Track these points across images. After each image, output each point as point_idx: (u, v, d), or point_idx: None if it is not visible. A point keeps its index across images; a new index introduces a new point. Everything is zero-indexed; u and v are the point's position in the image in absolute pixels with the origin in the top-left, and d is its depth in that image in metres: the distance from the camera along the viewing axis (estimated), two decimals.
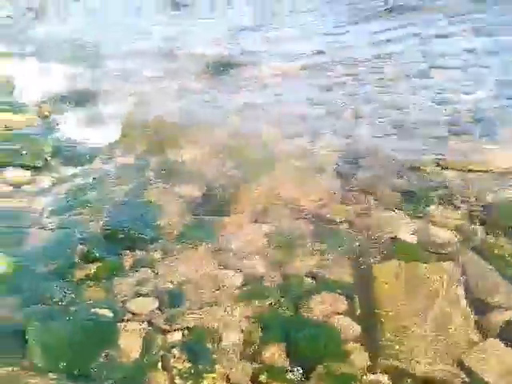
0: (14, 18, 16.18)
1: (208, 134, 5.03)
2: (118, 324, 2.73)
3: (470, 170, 3.99)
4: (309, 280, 3.04)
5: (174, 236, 3.50)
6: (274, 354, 2.51)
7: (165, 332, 2.68)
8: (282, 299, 2.89)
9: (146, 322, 2.74)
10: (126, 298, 2.92)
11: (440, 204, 3.63)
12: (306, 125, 5.11)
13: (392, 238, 3.33)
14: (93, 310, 2.80)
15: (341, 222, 3.53)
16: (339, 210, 3.65)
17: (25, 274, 3.15)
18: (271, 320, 2.74)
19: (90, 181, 4.30)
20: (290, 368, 2.41)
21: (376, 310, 2.71)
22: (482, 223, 3.37)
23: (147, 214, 3.75)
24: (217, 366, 2.43)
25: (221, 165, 4.44)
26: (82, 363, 2.48)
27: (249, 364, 2.46)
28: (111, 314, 2.78)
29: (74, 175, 4.47)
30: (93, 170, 4.55)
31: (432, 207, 3.61)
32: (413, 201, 3.71)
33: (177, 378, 2.38)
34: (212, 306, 2.86)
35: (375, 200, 3.75)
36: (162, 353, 2.53)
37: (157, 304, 2.86)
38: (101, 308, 2.81)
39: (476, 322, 2.60)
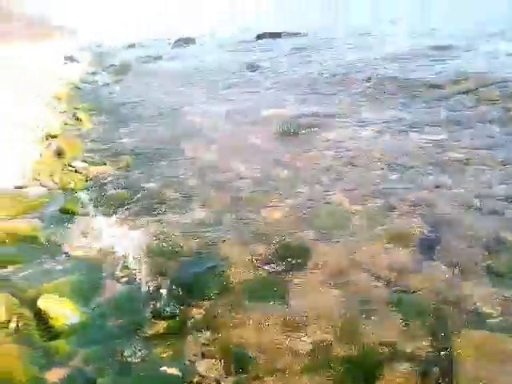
0: (99, 76, 17.62)
1: (282, 195, 5.04)
2: None
3: None
4: (383, 350, 2.86)
5: (243, 294, 3.46)
6: None
7: None
8: (353, 370, 2.73)
9: None
10: (195, 357, 2.88)
11: None
12: (382, 188, 5.00)
13: (474, 310, 3.13)
14: (162, 368, 2.78)
15: (419, 290, 3.35)
16: (418, 278, 3.47)
17: (97, 326, 3.20)
18: None
19: (165, 233, 4.37)
20: None
21: None
22: None
23: (218, 271, 3.75)
24: None
25: (295, 224, 4.40)
26: None
27: None
28: (180, 374, 2.74)
29: (148, 226, 4.56)
30: (167, 222, 4.62)
31: None
32: (498, 273, 3.49)
33: None
34: (279, 373, 2.75)
35: (457, 270, 3.55)
36: None
37: (224, 367, 2.80)
38: (170, 367, 2.78)
39: None
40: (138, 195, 5.24)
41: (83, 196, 5.29)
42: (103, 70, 20.77)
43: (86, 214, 4.85)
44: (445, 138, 6.26)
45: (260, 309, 3.29)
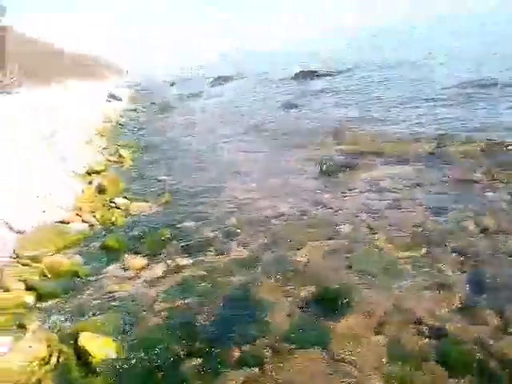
0: (141, 113, 18.13)
1: (322, 235, 5.00)
2: None
3: None
4: None
5: (283, 336, 3.39)
6: None
7: None
8: None
9: None
10: None
11: None
12: (424, 231, 4.88)
13: None
14: None
15: (465, 342, 3.20)
16: (462, 328, 3.32)
17: (131, 362, 3.20)
18: None
19: (203, 272, 4.38)
20: None
21: None
22: None
23: (257, 311, 3.70)
24: None
25: (335, 266, 4.33)
26: None
27: None
28: None
29: (187, 264, 4.59)
30: (206, 261, 4.64)
31: None
32: None
33: None
34: None
35: (503, 320, 3.38)
36: None
37: None
38: None
39: None
40: (178, 233, 5.28)
41: (123, 233, 5.37)
42: (145, 108, 21.47)
43: (126, 251, 4.90)
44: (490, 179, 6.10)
45: (301, 354, 3.21)
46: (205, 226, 5.50)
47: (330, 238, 4.92)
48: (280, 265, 4.44)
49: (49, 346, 3.26)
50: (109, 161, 9.16)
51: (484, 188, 5.83)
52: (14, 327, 3.64)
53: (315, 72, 25.17)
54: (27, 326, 3.58)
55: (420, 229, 4.95)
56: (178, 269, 4.51)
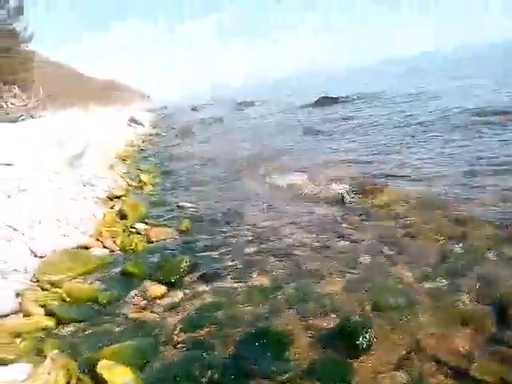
0: (162, 138, 18.43)
1: (342, 266, 4.96)
2: None
3: None
4: None
5: (303, 371, 3.34)
6: None
7: None
8: None
9: None
10: None
11: None
12: (447, 264, 4.80)
13: None
14: None
15: (487, 381, 3.10)
16: (485, 367, 3.23)
17: None
18: None
19: (223, 300, 4.37)
20: None
21: None
22: None
23: (276, 343, 3.66)
24: None
25: (356, 299, 4.28)
26: None
27: None
28: None
29: (206, 292, 4.58)
30: (226, 289, 4.63)
31: None
32: None
33: None
34: None
35: None
36: None
37: None
38: None
39: None
40: (197, 260, 5.29)
41: (143, 259, 5.40)
42: (166, 133, 21.82)
43: (146, 278, 4.92)
44: None
45: None
46: (224, 254, 5.51)
47: (350, 269, 4.87)
48: (300, 295, 4.40)
49: (67, 374, 3.26)
50: (130, 186, 9.29)
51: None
52: (33, 353, 3.67)
53: (336, 98, 25.37)
54: (46, 352, 3.59)
55: (442, 259, 4.88)
56: (198, 296, 4.51)
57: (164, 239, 6.11)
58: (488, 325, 3.70)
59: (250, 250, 5.58)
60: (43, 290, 4.73)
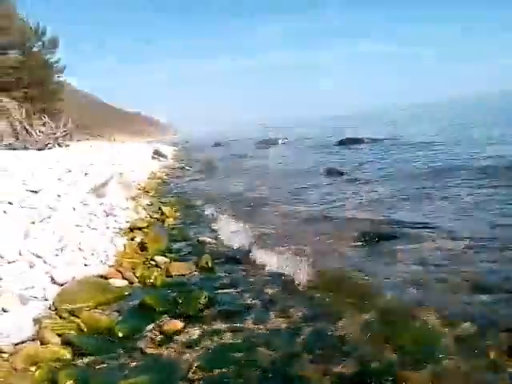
0: (185, 172, 18.67)
1: (362, 306, 4.87)
2: None
3: None
4: None
5: None
6: None
7: None
8: None
9: None
10: None
11: None
12: (472, 310, 4.68)
13: None
14: None
15: None
16: None
17: None
18: None
19: (240, 340, 4.32)
20: None
21: None
22: None
23: None
24: None
25: (375, 341, 4.18)
26: None
27: None
28: None
29: (224, 331, 4.53)
30: (243, 329, 4.57)
31: None
32: None
33: None
34: None
35: None
36: None
37: None
38: None
39: None
40: (215, 297, 5.26)
41: (162, 293, 5.40)
42: (189, 166, 22.10)
43: (164, 312, 4.90)
44: None
45: None
46: (243, 293, 5.47)
47: (370, 310, 4.78)
48: (319, 338, 4.33)
49: None
50: (151, 218, 9.37)
51: None
52: (48, 383, 3.66)
53: (360, 139, 25.51)
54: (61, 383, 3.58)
55: (466, 305, 4.76)
56: (215, 335, 4.45)
57: (183, 274, 6.10)
58: None
59: (270, 290, 5.53)
60: (61, 318, 4.74)
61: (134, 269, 6.13)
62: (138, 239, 7.40)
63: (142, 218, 9.12)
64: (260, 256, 6.65)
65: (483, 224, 7.40)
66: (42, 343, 4.20)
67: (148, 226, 8.51)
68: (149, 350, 4.21)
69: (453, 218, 7.94)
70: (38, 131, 25.70)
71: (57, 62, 36.09)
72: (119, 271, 6.00)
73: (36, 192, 8.70)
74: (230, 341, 4.33)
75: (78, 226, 7.34)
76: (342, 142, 25.73)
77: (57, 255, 6.01)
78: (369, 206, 9.37)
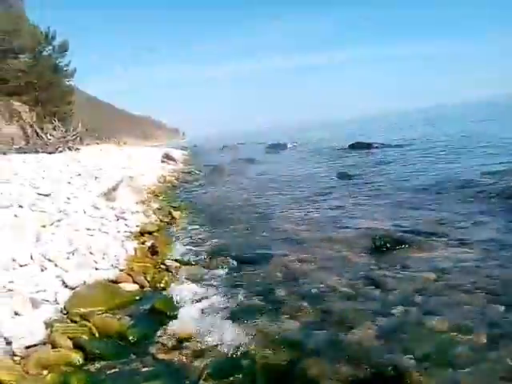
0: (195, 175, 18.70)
1: (375, 314, 4.83)
2: None
3: None
4: None
5: None
6: None
7: None
8: None
9: None
10: None
11: None
12: (487, 319, 4.61)
13: None
14: None
15: None
16: None
17: None
18: None
19: (252, 344, 4.29)
20: None
21: None
22: None
23: None
24: None
25: (388, 348, 4.14)
26: None
27: None
28: None
29: (236, 334, 4.50)
30: (254, 330, 4.53)
31: None
32: None
33: None
34: None
35: None
36: None
37: None
38: None
39: None
40: (225, 301, 5.26)
41: (172, 297, 5.39)
42: (198, 170, 22.14)
43: (175, 317, 4.90)
44: None
45: None
46: (253, 296, 5.45)
47: (382, 318, 4.72)
48: (331, 343, 4.29)
49: None
50: (161, 222, 9.39)
51: None
52: None
53: (370, 144, 25.42)
54: None
55: (480, 315, 4.68)
56: (227, 340, 4.44)
57: (194, 277, 6.09)
58: None
59: (280, 292, 5.51)
60: (72, 322, 4.75)
61: (144, 273, 6.14)
62: (148, 243, 7.42)
63: (153, 221, 9.14)
64: (271, 258, 6.64)
65: (496, 232, 7.33)
66: (53, 347, 4.21)
67: (158, 230, 8.54)
68: (160, 356, 4.21)
69: (465, 226, 7.85)
70: (48, 135, 25.89)
71: (67, 65, 36.44)
72: (130, 275, 6.01)
73: (47, 195, 8.77)
74: (241, 343, 4.31)
75: (88, 229, 7.37)
76: (352, 147, 25.64)
77: (68, 258, 6.05)
78: (379, 213, 9.29)
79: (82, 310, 4.96)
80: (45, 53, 33.51)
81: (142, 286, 5.81)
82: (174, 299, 5.35)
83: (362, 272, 6.08)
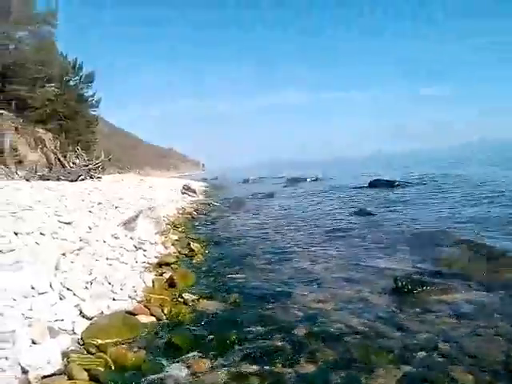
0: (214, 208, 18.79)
1: (397, 358, 4.72)
2: None
3: None
4: None
5: None
6: None
7: None
8: None
9: None
10: None
11: None
12: (507, 369, 4.49)
13: None
14: None
15: None
16: None
17: None
18: None
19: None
20: None
21: None
22: None
23: None
24: None
25: None
26: None
27: None
28: None
29: (252, 374, 4.42)
30: (272, 372, 4.47)
31: None
32: None
33: None
34: None
35: None
36: None
37: None
38: None
39: None
40: (244, 337, 5.21)
41: (189, 331, 5.36)
42: (218, 203, 22.25)
43: (190, 351, 4.87)
44: None
45: None
46: (272, 333, 5.38)
47: (403, 363, 4.61)
48: None
49: None
50: (180, 253, 9.41)
51: None
52: None
53: (391, 182, 25.31)
54: None
55: (503, 363, 4.54)
56: (242, 377, 4.39)
57: (212, 312, 6.06)
58: None
59: (299, 332, 5.43)
60: (89, 352, 4.74)
61: (162, 305, 6.13)
62: (166, 275, 7.42)
63: (171, 253, 9.17)
64: (290, 296, 6.58)
65: None
66: (69, 378, 4.20)
67: (177, 262, 8.55)
68: None
69: (485, 268, 7.71)
70: (71, 163, 26.41)
71: (92, 96, 37.48)
72: (147, 307, 6.00)
73: (68, 223, 8.88)
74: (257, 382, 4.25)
75: (107, 258, 7.42)
76: (372, 184, 25.52)
77: (86, 288, 6.07)
78: (400, 253, 9.18)
79: (99, 341, 4.95)
80: (71, 82, 34.57)
81: (158, 319, 5.79)
82: (191, 333, 5.32)
83: (383, 314, 5.98)
